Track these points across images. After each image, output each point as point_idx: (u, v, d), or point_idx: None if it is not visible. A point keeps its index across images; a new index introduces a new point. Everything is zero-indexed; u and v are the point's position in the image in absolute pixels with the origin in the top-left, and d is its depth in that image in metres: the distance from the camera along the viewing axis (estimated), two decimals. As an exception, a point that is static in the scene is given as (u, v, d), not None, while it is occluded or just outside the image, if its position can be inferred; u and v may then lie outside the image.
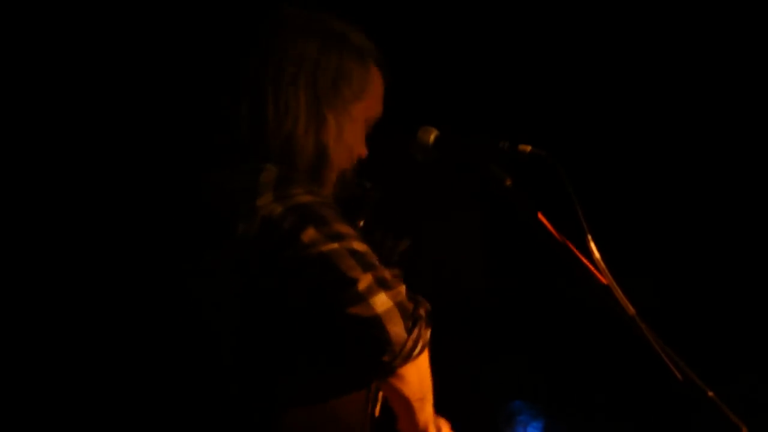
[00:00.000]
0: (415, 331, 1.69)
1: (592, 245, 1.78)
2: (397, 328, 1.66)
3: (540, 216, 1.82)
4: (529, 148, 1.86)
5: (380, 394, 1.91)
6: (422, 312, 1.72)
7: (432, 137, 1.95)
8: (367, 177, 2.01)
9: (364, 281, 1.66)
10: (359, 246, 1.71)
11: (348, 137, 1.89)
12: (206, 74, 1.95)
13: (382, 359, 1.67)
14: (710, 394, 1.68)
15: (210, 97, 1.90)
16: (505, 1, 3.69)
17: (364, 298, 1.65)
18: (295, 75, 1.84)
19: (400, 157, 1.98)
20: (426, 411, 1.86)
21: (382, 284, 1.67)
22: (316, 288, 1.68)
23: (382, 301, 1.65)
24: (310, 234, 1.68)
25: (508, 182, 1.86)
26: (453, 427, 2.01)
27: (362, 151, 1.97)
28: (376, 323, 1.65)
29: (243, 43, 1.90)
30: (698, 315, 3.66)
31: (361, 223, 1.97)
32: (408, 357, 1.69)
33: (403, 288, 1.71)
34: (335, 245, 1.68)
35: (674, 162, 3.76)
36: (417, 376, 1.78)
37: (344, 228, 1.72)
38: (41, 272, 3.10)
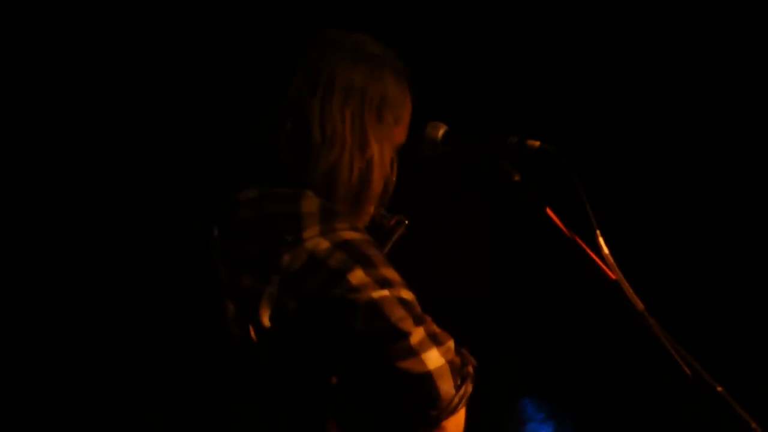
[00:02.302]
0: (463, 388, 1.69)
1: (601, 240, 1.78)
2: (446, 386, 1.66)
3: (548, 211, 1.82)
4: (537, 143, 1.85)
5: None
6: (470, 369, 1.72)
7: (440, 132, 1.94)
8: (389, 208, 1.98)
9: (417, 335, 1.64)
10: (407, 295, 1.68)
11: (387, 166, 1.85)
12: (252, 88, 1.89)
13: (430, 413, 1.67)
14: (719, 389, 1.68)
15: (253, 113, 1.85)
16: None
17: (416, 352, 1.64)
18: (343, 100, 1.79)
19: (408, 153, 1.98)
20: None
21: (434, 340, 1.66)
22: (365, 334, 1.66)
23: (434, 358, 1.65)
24: (358, 276, 1.65)
25: (517, 177, 1.86)
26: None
27: (393, 181, 1.91)
28: (427, 380, 1.64)
29: (290, 64, 1.83)
30: (710, 312, 3.66)
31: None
32: (453, 411, 1.69)
33: (452, 343, 1.70)
34: (386, 292, 1.65)
35: (684, 156, 3.75)
36: (456, 427, 1.77)
37: (391, 273, 1.69)
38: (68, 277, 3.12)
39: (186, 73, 3.21)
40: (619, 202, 3.55)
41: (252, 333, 1.70)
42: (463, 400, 1.71)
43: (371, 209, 1.86)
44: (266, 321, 1.69)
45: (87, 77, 3.20)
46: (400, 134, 1.89)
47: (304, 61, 1.82)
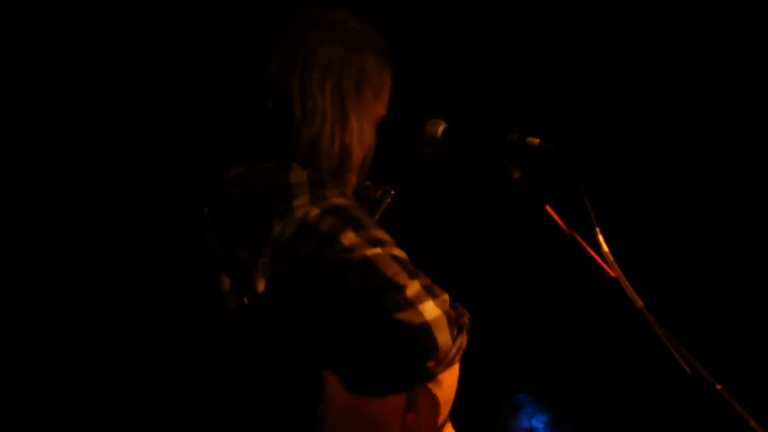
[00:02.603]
0: (459, 339, 1.72)
1: (601, 238, 1.77)
2: (444, 336, 1.68)
3: (548, 209, 1.82)
4: (537, 140, 1.85)
5: None
6: (466, 320, 1.76)
7: (440, 130, 1.95)
8: (376, 175, 2.02)
9: (413, 288, 1.68)
10: (399, 252, 1.73)
11: (367, 138, 1.90)
12: (233, 71, 1.95)
13: (427, 365, 1.70)
14: (718, 387, 1.67)
15: (235, 94, 1.90)
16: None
17: (413, 304, 1.67)
18: (323, 76, 1.85)
19: (408, 151, 1.98)
20: (446, 412, 1.90)
21: (430, 292, 1.70)
22: (362, 291, 1.69)
23: (431, 309, 1.68)
24: (350, 237, 1.70)
25: (516, 175, 1.86)
26: (459, 418, 2.02)
27: (371, 152, 1.98)
28: (425, 330, 1.67)
29: (270, 42, 1.88)
30: (710, 309, 3.66)
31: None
32: (450, 363, 1.73)
33: (446, 296, 1.74)
34: (378, 250, 1.69)
35: (686, 154, 3.75)
36: (450, 381, 1.82)
37: (381, 234, 1.74)
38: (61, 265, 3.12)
39: (168, 59, 3.20)
40: (618, 200, 3.55)
41: (255, 309, 1.73)
42: (460, 352, 1.74)
43: (353, 179, 1.91)
44: (261, 291, 1.72)
45: (75, 69, 3.18)
46: (380, 108, 1.94)
47: (283, 40, 1.87)
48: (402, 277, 1.68)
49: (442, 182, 3.49)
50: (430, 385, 1.79)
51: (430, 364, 1.70)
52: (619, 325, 2.24)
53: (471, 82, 3.76)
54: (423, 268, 1.81)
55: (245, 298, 1.74)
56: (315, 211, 1.72)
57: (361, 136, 1.88)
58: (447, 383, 1.81)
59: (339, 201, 1.74)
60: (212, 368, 1.79)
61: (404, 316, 1.67)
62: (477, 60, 3.77)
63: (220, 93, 1.96)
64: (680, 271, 3.73)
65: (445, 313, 1.70)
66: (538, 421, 3.84)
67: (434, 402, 1.83)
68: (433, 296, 1.70)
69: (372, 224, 1.75)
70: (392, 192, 2.02)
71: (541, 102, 3.74)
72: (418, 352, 1.69)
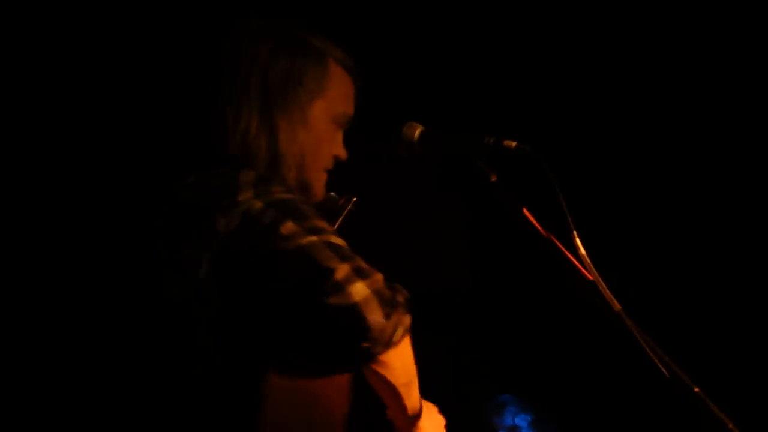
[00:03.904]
0: (394, 318, 1.71)
1: (578, 241, 1.78)
2: (375, 315, 1.68)
3: (525, 212, 1.82)
4: (514, 143, 1.86)
5: None
6: (400, 298, 1.74)
7: (417, 133, 1.96)
8: (353, 177, 2.04)
9: (342, 271, 1.68)
10: (337, 240, 1.74)
11: (305, 139, 1.95)
12: (181, 86, 2.03)
13: (362, 346, 1.69)
14: (696, 390, 1.68)
15: (183, 108, 1.98)
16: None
17: (342, 287, 1.67)
18: (246, 80, 1.92)
19: (385, 154, 1.98)
20: (413, 396, 1.90)
21: (359, 273, 1.70)
22: (294, 279, 1.70)
23: (359, 290, 1.68)
24: (289, 227, 1.72)
25: (493, 178, 1.87)
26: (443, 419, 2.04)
27: (334, 152, 2.03)
28: (354, 312, 1.67)
29: (208, 54, 1.98)
30: (688, 312, 3.67)
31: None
32: (388, 344, 1.72)
33: (380, 276, 1.73)
34: (314, 238, 1.71)
35: (661, 157, 3.76)
36: (400, 362, 1.81)
37: (322, 223, 1.76)
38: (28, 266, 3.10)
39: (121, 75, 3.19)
40: (596, 203, 3.55)
41: (198, 303, 1.77)
42: (399, 332, 1.73)
43: (315, 179, 1.98)
44: (206, 283, 1.75)
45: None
46: (329, 108, 1.99)
47: (218, 49, 1.96)
48: (332, 261, 1.69)
49: (418, 185, 3.48)
50: (376, 367, 1.78)
51: (366, 344, 1.69)
52: (596, 328, 2.25)
53: (448, 86, 3.76)
54: (401, 269, 1.81)
55: (193, 292, 1.77)
56: (258, 204, 1.75)
57: (294, 137, 1.92)
58: (396, 364, 1.79)
59: (284, 196, 1.77)
60: (164, 358, 1.82)
61: (334, 300, 1.67)
62: (454, 62, 3.77)
63: (176, 108, 2.02)
64: (657, 273, 3.74)
65: (376, 292, 1.69)
66: (522, 420, 3.85)
67: (386, 384, 1.83)
68: (364, 277, 1.69)
69: (314, 215, 1.77)
70: (354, 199, 2.06)
71: (518, 105, 3.74)
72: (350, 334, 1.68)
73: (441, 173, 1.95)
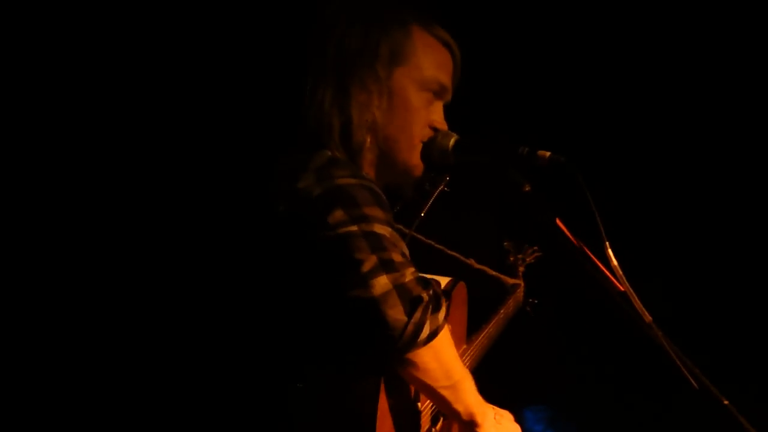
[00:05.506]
0: (417, 315, 1.64)
1: (610, 252, 1.77)
2: (393, 311, 1.62)
3: (558, 222, 1.82)
4: (548, 154, 1.85)
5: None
6: (425, 295, 1.66)
7: (451, 142, 1.95)
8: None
9: (369, 263, 1.64)
10: (380, 229, 1.68)
11: (388, 107, 1.89)
12: (275, 71, 2.02)
13: (382, 341, 1.65)
14: (725, 402, 1.68)
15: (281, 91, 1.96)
16: (526, 8, 3.68)
17: (365, 279, 1.63)
18: (322, 52, 1.88)
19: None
20: (464, 400, 1.82)
21: (386, 266, 1.65)
22: (326, 270, 1.68)
23: (381, 284, 1.63)
24: (336, 216, 1.68)
25: (527, 188, 1.86)
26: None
27: (430, 121, 1.95)
28: (372, 305, 1.62)
29: (293, 32, 1.95)
30: (719, 325, 3.65)
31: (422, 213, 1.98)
32: (412, 342, 1.66)
33: (409, 270, 1.67)
34: (354, 228, 1.67)
35: (694, 170, 3.75)
36: (436, 363, 1.73)
37: (373, 211, 1.70)
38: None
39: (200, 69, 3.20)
40: (629, 214, 3.55)
41: (246, 282, 1.78)
42: (425, 330, 1.66)
43: (408, 153, 1.91)
44: (262, 270, 1.76)
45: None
46: (412, 74, 1.92)
47: (303, 31, 1.93)
48: (363, 253, 1.65)
49: (451, 194, 3.49)
50: (408, 367, 1.71)
51: (385, 340, 1.64)
52: (627, 339, 2.24)
53: (484, 95, 3.76)
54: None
55: (247, 275, 1.78)
56: (317, 191, 1.72)
57: (367, 104, 1.86)
58: (430, 365, 1.72)
59: (345, 181, 1.73)
60: (211, 353, 1.84)
61: (356, 292, 1.63)
62: (489, 73, 3.77)
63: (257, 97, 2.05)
64: (690, 285, 3.72)
65: (399, 287, 1.64)
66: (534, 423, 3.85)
67: (425, 386, 1.76)
68: (389, 270, 1.64)
69: (368, 201, 1.71)
70: (447, 178, 2.02)
71: (553, 116, 3.73)
72: (371, 330, 1.63)
73: (474, 182, 1.95)
